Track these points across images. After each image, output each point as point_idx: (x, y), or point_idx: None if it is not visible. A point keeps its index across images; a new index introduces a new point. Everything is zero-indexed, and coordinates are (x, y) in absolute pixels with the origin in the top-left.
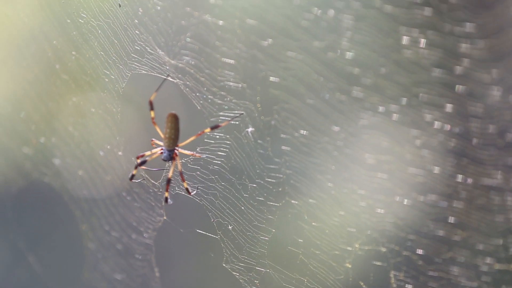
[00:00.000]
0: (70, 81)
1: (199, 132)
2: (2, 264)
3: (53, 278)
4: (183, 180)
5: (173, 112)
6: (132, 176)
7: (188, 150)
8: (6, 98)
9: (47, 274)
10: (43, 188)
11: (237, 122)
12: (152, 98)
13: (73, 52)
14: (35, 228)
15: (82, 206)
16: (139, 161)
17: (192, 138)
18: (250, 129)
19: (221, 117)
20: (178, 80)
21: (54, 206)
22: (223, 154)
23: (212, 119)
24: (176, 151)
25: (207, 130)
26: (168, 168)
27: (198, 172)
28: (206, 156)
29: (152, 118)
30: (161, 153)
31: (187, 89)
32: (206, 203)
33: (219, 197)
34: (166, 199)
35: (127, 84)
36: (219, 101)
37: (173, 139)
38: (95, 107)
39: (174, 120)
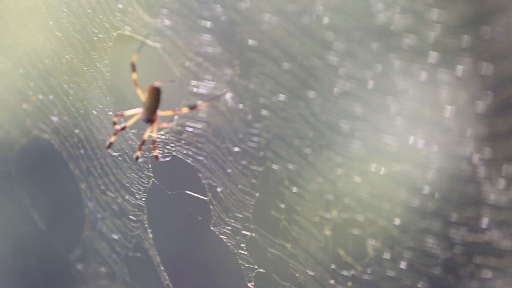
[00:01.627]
0: (63, 38)
1: (176, 109)
2: (8, 220)
3: (57, 235)
4: (154, 148)
5: (156, 84)
6: (110, 145)
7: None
8: (5, 54)
9: (51, 231)
10: (43, 145)
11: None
12: (133, 60)
13: (64, 9)
14: (39, 185)
15: (80, 164)
16: (117, 125)
17: (169, 113)
18: (229, 96)
19: (200, 88)
20: (157, 44)
21: (55, 163)
22: (203, 121)
23: (191, 86)
24: (155, 116)
25: (185, 109)
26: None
27: (184, 135)
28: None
29: (134, 81)
30: (141, 113)
31: (166, 53)
32: (197, 165)
33: (208, 158)
34: (137, 158)
35: (113, 44)
36: (195, 68)
37: (152, 109)
38: (86, 65)
39: (156, 92)
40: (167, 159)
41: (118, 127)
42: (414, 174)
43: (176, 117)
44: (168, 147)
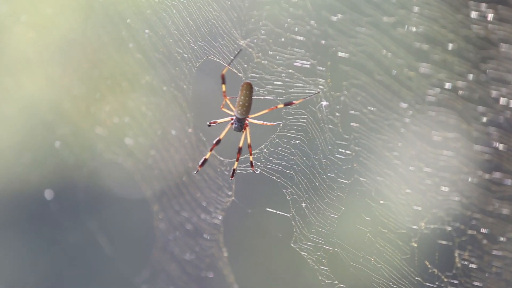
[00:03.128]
0: (143, 60)
1: (272, 106)
2: (74, 246)
3: (124, 260)
4: (251, 154)
5: (248, 81)
6: (204, 161)
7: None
8: (81, 79)
9: (118, 255)
10: (115, 169)
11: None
12: (224, 72)
13: (147, 31)
14: (106, 208)
15: (154, 186)
16: (214, 142)
17: (264, 111)
18: (324, 103)
19: (292, 95)
20: (245, 64)
21: (126, 187)
22: (301, 127)
23: (282, 98)
24: (247, 121)
25: (281, 105)
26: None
27: (280, 148)
28: (280, 128)
29: (223, 92)
30: (232, 124)
31: (256, 69)
32: (282, 180)
33: (298, 171)
34: (233, 172)
35: (199, 63)
36: (287, 79)
37: (247, 106)
38: (166, 85)
39: (249, 88)
40: (257, 171)
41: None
42: (505, 182)
43: (278, 128)
44: (259, 162)
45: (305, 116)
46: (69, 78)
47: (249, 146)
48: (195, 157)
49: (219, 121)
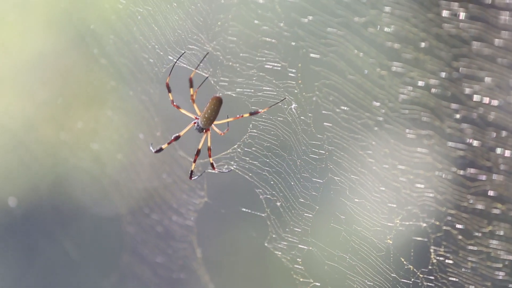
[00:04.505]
0: (108, 66)
1: (237, 115)
2: (40, 252)
3: (91, 264)
4: (210, 156)
5: (219, 95)
6: (192, 173)
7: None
8: (44, 85)
9: (85, 261)
10: (80, 174)
11: (280, 104)
12: (191, 75)
13: (111, 36)
14: (73, 214)
15: (121, 190)
16: (172, 138)
17: (229, 119)
18: (293, 106)
19: (262, 98)
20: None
21: (93, 192)
22: (272, 133)
23: (252, 100)
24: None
25: (246, 115)
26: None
27: (253, 148)
28: (251, 130)
29: (191, 95)
30: (195, 123)
31: (225, 74)
32: (255, 180)
33: (272, 172)
34: (192, 172)
35: (165, 69)
36: (257, 83)
37: (211, 120)
38: (133, 89)
39: (218, 104)
40: (226, 170)
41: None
42: (480, 177)
43: (249, 129)
44: (233, 161)
45: (274, 122)
46: (34, 86)
47: (209, 148)
48: (164, 159)
49: (182, 111)
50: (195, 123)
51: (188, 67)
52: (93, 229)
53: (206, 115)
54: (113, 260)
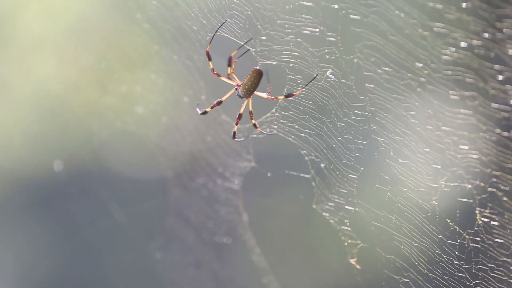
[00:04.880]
0: (151, 30)
1: (272, 97)
2: (86, 216)
3: (137, 228)
4: (252, 119)
5: (259, 68)
6: (235, 134)
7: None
8: (88, 49)
9: (130, 225)
10: (126, 137)
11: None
12: (232, 54)
13: (154, 2)
14: (118, 177)
15: (167, 153)
16: (215, 102)
17: (264, 96)
18: (329, 72)
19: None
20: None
21: (137, 154)
22: (309, 99)
23: (290, 65)
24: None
25: (281, 97)
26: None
27: (291, 112)
28: (293, 99)
29: (228, 74)
30: (236, 89)
31: (265, 42)
32: (299, 142)
33: (313, 135)
34: (234, 133)
35: (208, 37)
36: (296, 52)
37: (251, 91)
38: (176, 54)
39: (258, 76)
40: (270, 133)
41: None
42: None
43: (294, 94)
44: (273, 125)
45: (310, 88)
46: (78, 51)
47: (250, 112)
48: (209, 123)
49: (223, 78)
50: (236, 89)
51: (229, 36)
52: (138, 192)
53: (246, 86)
54: (158, 224)
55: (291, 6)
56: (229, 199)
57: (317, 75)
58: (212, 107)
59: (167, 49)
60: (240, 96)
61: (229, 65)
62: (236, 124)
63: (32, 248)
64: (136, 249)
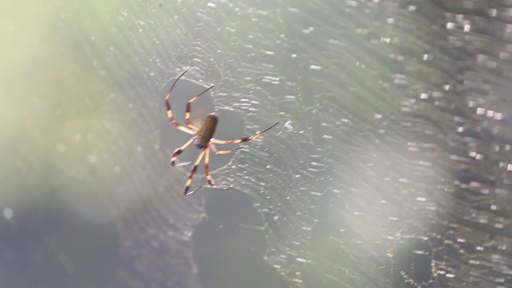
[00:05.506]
0: (107, 77)
1: (229, 141)
2: (36, 265)
3: (86, 277)
4: (207, 174)
5: (213, 114)
6: (187, 189)
7: (221, 150)
8: (43, 96)
9: (80, 274)
10: (77, 186)
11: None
12: (191, 101)
13: (111, 48)
14: (69, 226)
15: (119, 203)
16: (174, 158)
17: (222, 142)
18: (288, 123)
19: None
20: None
21: (89, 204)
22: (265, 150)
23: (248, 115)
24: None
25: (238, 141)
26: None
27: (246, 164)
28: (247, 151)
29: (186, 120)
30: (194, 139)
31: (222, 89)
32: (255, 194)
33: (268, 187)
34: (187, 188)
35: (166, 83)
36: (255, 100)
37: (207, 138)
38: (133, 102)
39: (212, 122)
40: (225, 188)
41: (176, 162)
42: (483, 191)
43: (241, 145)
44: (228, 178)
45: (266, 139)
46: (31, 96)
47: (206, 166)
48: (162, 173)
49: (181, 128)
50: (194, 139)
51: (191, 80)
52: (88, 242)
53: (201, 133)
54: (108, 274)
55: (253, 54)
56: (180, 250)
57: (277, 123)
58: (190, 177)
59: (123, 97)
60: (198, 146)
61: (188, 110)
62: (190, 177)
63: None
64: None
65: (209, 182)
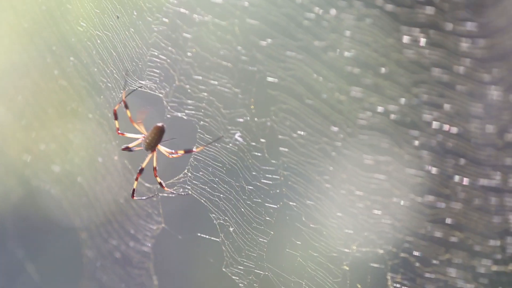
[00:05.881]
0: (68, 87)
1: (173, 151)
2: (1, 273)
3: (51, 287)
4: (156, 175)
5: (161, 125)
6: (133, 191)
7: (167, 150)
8: (6, 105)
9: (45, 283)
10: (43, 196)
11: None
12: (116, 108)
13: (71, 58)
14: (34, 236)
15: (81, 213)
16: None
17: (166, 151)
18: (237, 135)
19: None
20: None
21: (53, 214)
22: (218, 160)
23: (201, 123)
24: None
25: (181, 152)
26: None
27: (201, 173)
28: (201, 159)
29: (117, 128)
30: (142, 141)
31: (177, 94)
32: (209, 205)
33: (222, 198)
34: (133, 191)
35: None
36: (205, 111)
37: (152, 145)
38: (92, 112)
39: (158, 133)
40: (182, 193)
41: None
42: (438, 205)
43: (194, 151)
44: (186, 185)
45: (218, 149)
46: None
47: (154, 169)
48: (122, 184)
49: (128, 135)
50: (142, 139)
51: (145, 89)
52: (53, 253)
53: (147, 140)
54: (73, 285)
55: (208, 63)
56: (141, 261)
57: (221, 136)
58: (136, 180)
59: (83, 107)
60: (144, 149)
61: (116, 118)
62: (136, 179)
63: None
64: None
65: (160, 184)
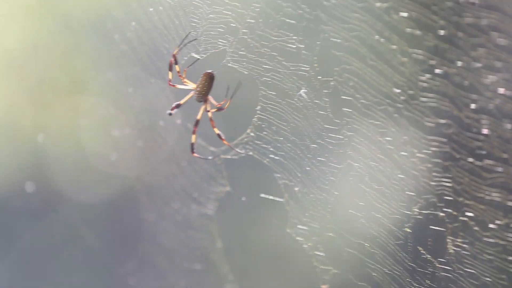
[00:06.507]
0: (129, 52)
1: (208, 109)
2: (57, 238)
3: (109, 252)
4: (213, 126)
5: (210, 71)
6: (192, 146)
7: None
8: (29, 73)
9: (102, 248)
10: (100, 160)
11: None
12: (175, 52)
13: (133, 23)
14: (90, 199)
15: (142, 178)
16: (173, 111)
17: (213, 103)
18: (302, 91)
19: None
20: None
21: (112, 178)
22: (282, 119)
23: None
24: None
25: (214, 110)
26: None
27: (264, 132)
28: (264, 118)
29: (169, 80)
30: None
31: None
32: (274, 165)
33: (287, 157)
34: (192, 146)
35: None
36: (269, 63)
37: (203, 94)
38: (154, 77)
39: (208, 80)
40: (243, 153)
41: (173, 111)
42: (496, 169)
43: (257, 111)
44: (248, 146)
45: (282, 106)
46: (21, 73)
47: (211, 119)
48: (184, 147)
49: (179, 86)
50: (193, 94)
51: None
52: (110, 216)
53: (198, 89)
54: (130, 248)
55: (272, 20)
56: (204, 224)
57: (240, 84)
58: (193, 133)
59: (144, 71)
60: (197, 99)
61: (176, 63)
62: (193, 133)
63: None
64: (108, 273)
65: (219, 136)
